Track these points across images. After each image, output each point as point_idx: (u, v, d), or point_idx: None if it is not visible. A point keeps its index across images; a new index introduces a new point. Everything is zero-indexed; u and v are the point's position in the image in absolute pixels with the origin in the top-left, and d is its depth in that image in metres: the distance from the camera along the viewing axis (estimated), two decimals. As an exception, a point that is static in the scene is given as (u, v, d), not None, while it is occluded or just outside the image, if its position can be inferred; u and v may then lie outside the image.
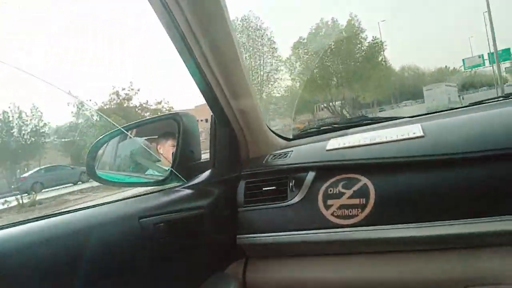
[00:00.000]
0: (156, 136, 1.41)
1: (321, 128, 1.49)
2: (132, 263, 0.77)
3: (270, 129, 1.38)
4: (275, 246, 1.04)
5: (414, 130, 1.04)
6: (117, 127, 1.19)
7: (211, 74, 1.04)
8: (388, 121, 1.36)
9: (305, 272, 1.03)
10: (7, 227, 0.68)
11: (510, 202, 0.81)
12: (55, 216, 0.76)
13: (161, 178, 1.14)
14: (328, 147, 1.12)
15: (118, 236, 0.75)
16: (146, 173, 1.25)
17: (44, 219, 0.74)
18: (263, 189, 1.11)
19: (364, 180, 0.97)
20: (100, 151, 1.21)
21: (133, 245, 0.77)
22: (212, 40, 0.96)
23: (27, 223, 0.71)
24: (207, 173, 1.17)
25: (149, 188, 1.15)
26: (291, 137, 1.51)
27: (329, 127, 1.47)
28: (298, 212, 1.02)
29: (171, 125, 1.24)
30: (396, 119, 1.36)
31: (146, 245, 0.79)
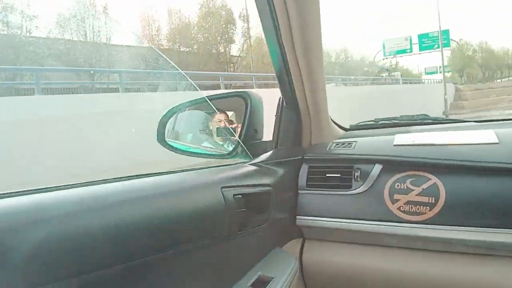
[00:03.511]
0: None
1: (380, 122, 1.49)
2: (213, 229, 0.81)
3: (330, 117, 1.39)
4: (335, 231, 1.07)
5: (488, 135, 1.03)
6: (202, 96, 1.23)
7: (293, 54, 1.06)
8: (452, 123, 1.34)
9: (361, 260, 1.06)
10: (98, 183, 0.72)
11: None
12: (144, 177, 0.80)
13: (226, 152, 1.18)
14: (395, 143, 1.12)
15: (203, 202, 0.79)
16: (210, 145, 1.29)
17: (132, 179, 0.78)
18: (327, 175, 1.13)
19: (434, 179, 0.98)
20: (170, 119, 1.25)
21: (215, 212, 0.81)
22: (301, 22, 0.98)
23: (113, 182, 0.75)
24: (270, 152, 1.20)
25: (215, 160, 1.19)
26: (348, 127, 1.52)
27: (389, 122, 1.47)
28: (362, 202, 1.05)
29: (238, 103, 1.27)
30: (460, 122, 1.35)
31: (226, 213, 0.83)
